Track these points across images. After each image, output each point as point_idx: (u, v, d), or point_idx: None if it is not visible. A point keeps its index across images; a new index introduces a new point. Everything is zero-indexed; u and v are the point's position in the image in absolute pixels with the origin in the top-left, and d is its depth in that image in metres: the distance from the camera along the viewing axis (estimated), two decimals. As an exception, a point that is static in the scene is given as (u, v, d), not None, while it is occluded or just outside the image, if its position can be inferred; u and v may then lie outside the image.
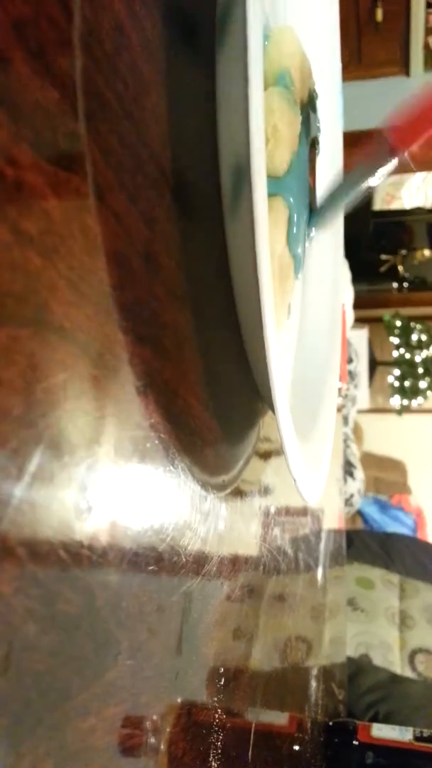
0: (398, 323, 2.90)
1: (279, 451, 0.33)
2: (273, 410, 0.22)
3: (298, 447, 0.24)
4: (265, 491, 0.31)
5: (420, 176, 2.82)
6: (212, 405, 0.22)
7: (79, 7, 0.14)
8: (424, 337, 2.89)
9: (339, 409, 0.75)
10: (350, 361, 1.90)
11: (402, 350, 2.90)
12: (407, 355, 2.89)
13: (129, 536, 0.16)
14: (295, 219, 0.26)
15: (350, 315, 1.98)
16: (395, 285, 3.17)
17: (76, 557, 0.13)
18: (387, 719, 0.80)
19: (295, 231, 0.27)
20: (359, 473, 1.95)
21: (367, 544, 1.19)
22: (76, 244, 0.13)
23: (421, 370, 2.87)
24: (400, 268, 3.12)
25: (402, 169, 0.27)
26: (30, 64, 0.12)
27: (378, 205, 2.99)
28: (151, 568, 0.17)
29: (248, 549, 0.28)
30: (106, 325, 0.15)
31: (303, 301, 0.37)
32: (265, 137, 0.22)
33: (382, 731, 0.55)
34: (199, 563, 0.21)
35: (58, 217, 0.13)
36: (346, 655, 0.85)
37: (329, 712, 0.58)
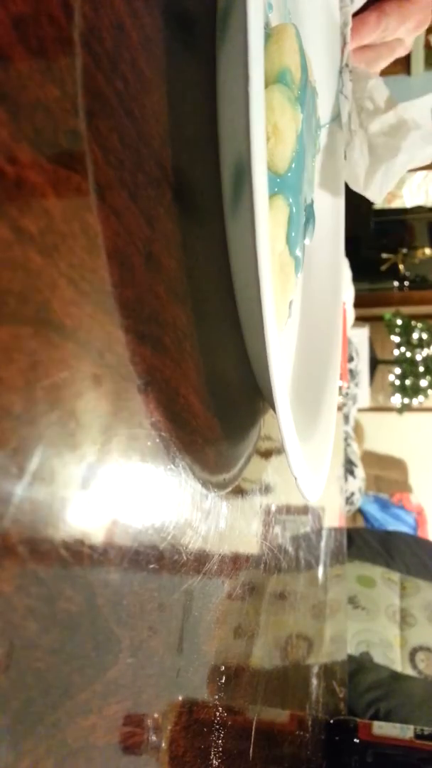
0: (399, 322, 2.90)
1: (280, 450, 0.33)
2: (274, 409, 0.22)
3: (298, 445, 0.24)
4: (266, 489, 0.31)
5: (421, 175, 2.82)
6: (213, 403, 0.22)
7: (79, 4, 0.14)
8: (424, 336, 2.89)
9: (340, 408, 0.75)
10: (351, 359, 1.90)
11: (403, 349, 2.90)
12: (408, 354, 2.89)
13: (130, 534, 0.16)
14: (296, 217, 0.26)
15: (351, 313, 1.98)
16: (396, 283, 3.17)
17: (77, 555, 0.13)
18: (388, 717, 0.80)
19: (295, 230, 0.27)
20: (360, 471, 1.95)
21: (367, 542, 1.19)
22: (76, 243, 0.13)
23: (421, 369, 2.87)
24: (401, 266, 3.12)
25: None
26: (30, 62, 0.12)
27: (379, 203, 2.99)
28: (152, 566, 0.17)
29: (249, 547, 0.28)
30: (106, 324, 0.15)
31: (304, 300, 0.37)
32: (266, 135, 0.22)
33: (383, 729, 0.55)
34: (200, 561, 0.21)
35: (58, 215, 0.13)
36: (347, 653, 0.85)
37: (330, 710, 0.58)
